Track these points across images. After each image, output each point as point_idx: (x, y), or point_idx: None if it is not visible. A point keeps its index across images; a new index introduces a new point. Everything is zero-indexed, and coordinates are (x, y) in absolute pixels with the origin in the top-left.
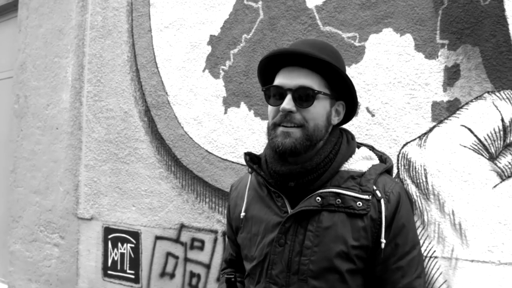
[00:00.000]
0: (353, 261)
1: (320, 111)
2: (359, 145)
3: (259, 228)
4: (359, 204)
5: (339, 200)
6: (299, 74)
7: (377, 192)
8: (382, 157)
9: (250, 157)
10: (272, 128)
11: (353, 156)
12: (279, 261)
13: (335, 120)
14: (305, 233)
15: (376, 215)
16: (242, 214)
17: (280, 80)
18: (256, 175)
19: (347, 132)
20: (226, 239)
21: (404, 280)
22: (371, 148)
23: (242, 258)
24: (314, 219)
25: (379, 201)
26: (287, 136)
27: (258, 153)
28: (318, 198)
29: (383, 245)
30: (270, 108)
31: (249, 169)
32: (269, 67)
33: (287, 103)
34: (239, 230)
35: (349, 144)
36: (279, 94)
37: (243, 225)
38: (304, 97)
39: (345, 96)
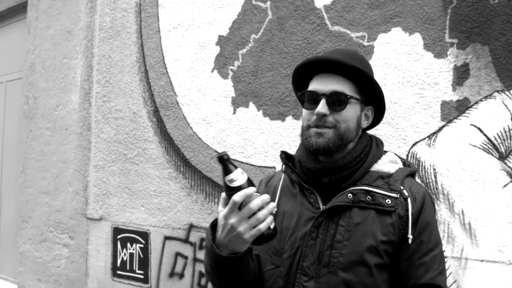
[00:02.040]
0: (381, 255)
1: (351, 114)
2: (385, 151)
3: (290, 222)
4: (388, 201)
5: (369, 197)
6: (332, 80)
7: (404, 191)
8: (406, 163)
9: (286, 156)
10: (306, 129)
11: (381, 158)
12: (310, 254)
13: (364, 123)
14: (336, 228)
15: (403, 212)
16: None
17: (315, 86)
18: (290, 173)
19: (375, 137)
20: None
21: (427, 275)
22: (395, 155)
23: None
24: (346, 215)
25: (406, 199)
26: (320, 136)
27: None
28: (349, 195)
29: (410, 241)
30: (305, 112)
31: (283, 168)
32: (303, 73)
33: (322, 107)
34: None
35: (378, 147)
36: (313, 99)
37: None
38: (337, 101)
39: (374, 101)
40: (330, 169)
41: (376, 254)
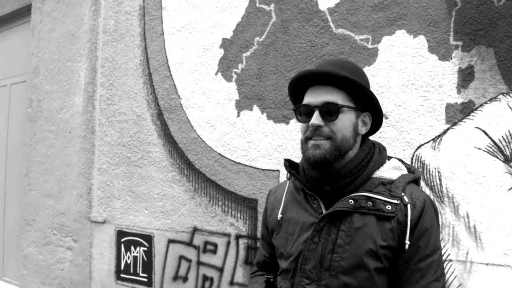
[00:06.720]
0: (381, 260)
1: (346, 123)
2: (390, 157)
3: (295, 228)
4: (389, 207)
5: (370, 203)
6: (324, 92)
7: (405, 197)
8: (411, 169)
9: (289, 164)
10: (304, 142)
11: (384, 165)
12: (312, 257)
13: (362, 130)
14: (337, 233)
15: (402, 218)
16: (279, 216)
17: (308, 99)
18: (294, 180)
19: (379, 144)
20: (260, 241)
21: (422, 281)
22: (401, 160)
23: (275, 259)
24: (347, 220)
25: (406, 205)
26: (317, 148)
27: (296, 161)
28: (351, 200)
29: (406, 246)
30: (301, 125)
31: (288, 175)
32: (298, 87)
33: (315, 118)
34: (274, 231)
35: (380, 154)
36: (308, 111)
37: (280, 226)
38: (329, 111)
39: (369, 107)
40: (332, 177)
41: (375, 258)
